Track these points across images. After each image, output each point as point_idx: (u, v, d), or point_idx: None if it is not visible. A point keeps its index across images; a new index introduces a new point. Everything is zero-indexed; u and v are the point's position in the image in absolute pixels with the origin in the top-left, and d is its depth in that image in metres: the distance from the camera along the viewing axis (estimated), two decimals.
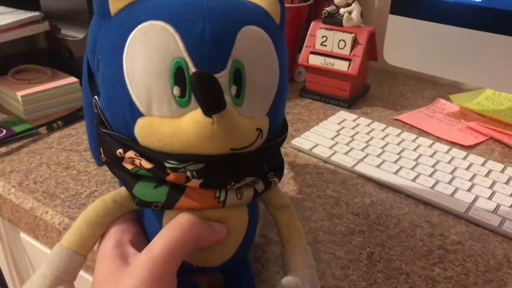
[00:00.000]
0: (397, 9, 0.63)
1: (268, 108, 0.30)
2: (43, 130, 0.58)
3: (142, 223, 0.32)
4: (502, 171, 0.52)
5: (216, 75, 0.26)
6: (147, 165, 0.28)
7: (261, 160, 0.31)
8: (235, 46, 0.27)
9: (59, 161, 0.52)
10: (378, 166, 0.53)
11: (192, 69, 0.26)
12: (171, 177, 0.28)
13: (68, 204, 0.45)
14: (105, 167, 0.49)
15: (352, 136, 0.59)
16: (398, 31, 0.64)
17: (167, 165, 0.27)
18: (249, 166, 0.30)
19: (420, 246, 0.42)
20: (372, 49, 0.70)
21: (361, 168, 0.52)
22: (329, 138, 0.58)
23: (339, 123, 0.63)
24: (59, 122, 0.59)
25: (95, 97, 0.31)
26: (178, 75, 0.26)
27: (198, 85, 0.25)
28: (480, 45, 0.58)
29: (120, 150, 0.29)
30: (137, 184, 0.29)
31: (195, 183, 0.28)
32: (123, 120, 0.29)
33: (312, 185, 0.50)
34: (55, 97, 0.62)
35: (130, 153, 0.28)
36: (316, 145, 0.57)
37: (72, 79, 0.64)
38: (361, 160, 0.54)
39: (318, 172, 0.52)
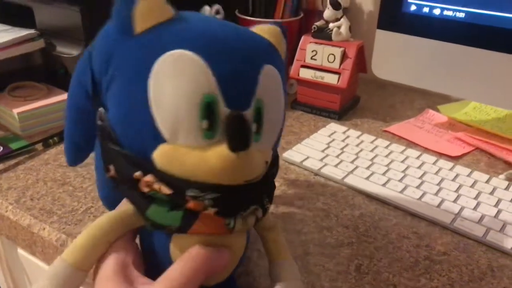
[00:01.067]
0: (384, 24, 0.65)
1: (274, 142, 0.33)
2: (39, 146, 0.59)
3: (143, 244, 0.33)
4: (487, 181, 0.54)
5: (243, 113, 0.28)
6: (167, 191, 0.29)
7: (263, 189, 0.33)
8: (258, 86, 0.29)
9: (55, 178, 0.53)
10: (367, 178, 0.54)
11: (222, 105, 0.28)
12: (191, 204, 0.29)
13: (65, 220, 0.46)
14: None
15: (342, 148, 0.61)
16: (385, 46, 0.66)
17: (189, 193, 0.28)
18: (256, 196, 0.32)
19: (407, 257, 0.43)
20: (361, 62, 0.71)
21: (351, 181, 0.53)
22: (319, 150, 0.60)
23: (329, 135, 0.64)
24: (55, 138, 0.60)
25: (100, 110, 0.31)
26: (208, 110, 0.28)
27: (233, 125, 0.28)
28: (464, 59, 0.60)
29: (138, 173, 0.29)
30: (151, 207, 0.30)
31: (211, 211, 0.29)
32: (140, 142, 0.29)
33: (303, 198, 0.51)
34: (51, 113, 0.63)
35: (149, 177, 0.29)
36: (307, 157, 0.58)
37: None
38: (351, 172, 0.55)
39: (309, 185, 0.54)
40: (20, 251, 0.55)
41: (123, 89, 0.29)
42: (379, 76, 0.68)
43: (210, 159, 0.28)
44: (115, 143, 0.30)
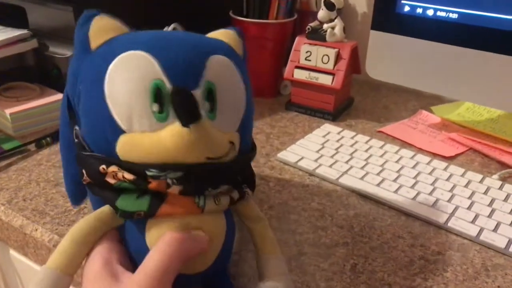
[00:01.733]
0: (378, 24, 0.65)
1: (238, 125, 0.34)
2: (32, 147, 0.59)
3: (124, 241, 0.33)
4: (481, 181, 0.54)
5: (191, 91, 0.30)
6: (129, 176, 0.30)
7: (235, 171, 0.34)
8: (206, 70, 0.31)
9: (48, 178, 0.53)
10: (362, 178, 0.54)
11: (169, 88, 0.30)
12: (153, 184, 0.30)
13: (58, 221, 0.46)
14: None
15: (336, 149, 0.61)
16: (379, 46, 0.66)
17: (149, 173, 0.30)
18: (224, 175, 0.33)
19: (402, 257, 0.43)
20: (355, 63, 0.71)
21: (345, 181, 0.53)
22: (314, 151, 0.60)
23: (323, 136, 0.64)
24: (47, 138, 0.60)
25: (76, 127, 0.34)
26: (157, 93, 0.30)
27: (177, 98, 0.30)
28: (457, 60, 0.60)
29: (103, 166, 0.31)
30: (120, 198, 0.31)
31: (175, 189, 0.31)
32: (104, 141, 0.31)
33: (298, 198, 0.51)
34: (43, 114, 0.63)
35: (113, 168, 0.31)
36: (302, 158, 0.58)
37: (61, 96, 0.65)
38: (345, 172, 0.55)
39: (303, 185, 0.54)
40: (13, 252, 0.55)
41: (86, 97, 0.32)
42: (373, 76, 0.69)
43: (164, 138, 0.29)
44: (86, 150, 0.33)
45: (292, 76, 0.71)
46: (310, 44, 0.69)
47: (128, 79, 0.30)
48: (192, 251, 0.31)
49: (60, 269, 0.31)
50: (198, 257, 0.32)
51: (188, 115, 0.29)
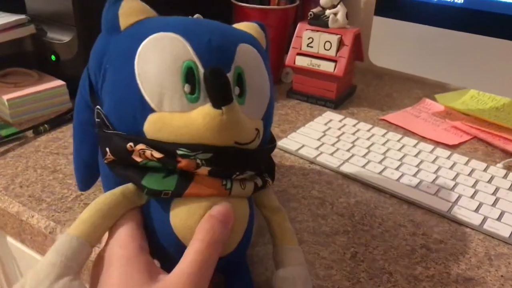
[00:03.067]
0: (381, 10, 0.64)
1: (263, 113, 0.34)
2: (29, 133, 0.58)
3: (146, 220, 0.32)
4: (485, 170, 0.53)
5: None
6: (158, 155, 0.30)
7: (259, 158, 0.34)
8: (236, 55, 0.32)
9: (45, 165, 0.52)
10: (363, 166, 0.53)
11: (201, 70, 0.30)
12: (182, 163, 0.30)
13: (54, 208, 0.45)
14: None
15: (338, 137, 0.60)
16: (383, 33, 0.65)
17: (179, 152, 0.29)
18: (251, 161, 0.33)
19: (403, 245, 0.42)
20: (358, 50, 0.70)
21: (347, 169, 0.53)
22: (315, 139, 0.59)
23: (325, 124, 0.63)
24: (45, 125, 0.59)
25: (97, 107, 0.33)
26: (189, 74, 0.30)
27: (212, 78, 0.29)
28: (462, 46, 0.59)
29: (131, 143, 0.30)
30: (146, 176, 0.31)
31: (204, 170, 0.30)
32: (131, 119, 0.31)
33: (298, 186, 0.50)
34: (41, 100, 0.62)
35: (141, 146, 0.30)
36: (303, 146, 0.57)
37: (59, 82, 0.64)
38: (347, 160, 0.54)
39: (304, 173, 0.53)
40: (9, 239, 0.54)
41: (114, 77, 0.32)
42: (376, 63, 0.67)
43: (196, 119, 0.29)
44: (109, 129, 0.32)
45: (294, 63, 0.70)
46: (312, 30, 0.68)
47: (161, 59, 0.30)
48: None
49: (83, 237, 0.29)
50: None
51: (222, 96, 0.29)
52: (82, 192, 0.47)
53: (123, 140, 0.31)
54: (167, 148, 0.30)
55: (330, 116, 0.66)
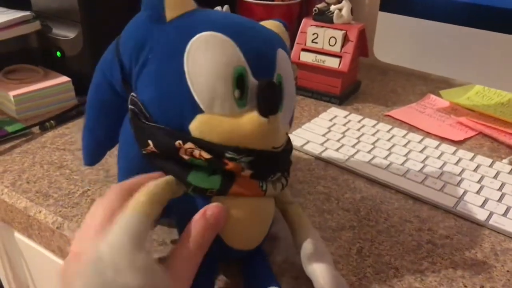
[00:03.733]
0: (386, 6, 0.64)
1: (290, 117, 0.37)
2: (35, 129, 0.58)
3: (182, 213, 0.33)
4: (491, 165, 0.53)
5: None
6: (206, 155, 0.31)
7: (286, 160, 0.36)
8: (277, 63, 0.34)
9: (52, 161, 0.52)
10: (369, 162, 0.53)
11: (251, 77, 0.32)
12: (230, 166, 0.31)
13: (61, 203, 0.45)
14: (98, 166, 0.50)
15: (343, 133, 0.60)
16: (388, 28, 0.65)
17: (227, 155, 0.31)
18: (280, 164, 0.35)
19: (409, 241, 0.42)
20: (363, 46, 0.70)
21: (352, 164, 0.53)
22: (320, 134, 0.59)
23: (330, 120, 0.63)
24: (51, 121, 0.59)
25: (133, 94, 0.34)
26: (239, 80, 0.31)
27: (266, 91, 0.31)
28: (468, 41, 0.59)
29: (180, 141, 0.31)
30: (191, 173, 0.32)
31: (247, 173, 0.32)
32: (178, 116, 0.31)
33: (303, 182, 0.50)
34: (47, 96, 0.62)
35: (189, 144, 0.31)
36: (308, 141, 0.57)
37: (64, 79, 0.64)
38: (352, 156, 0.54)
39: (309, 169, 0.53)
40: (17, 234, 0.55)
41: (159, 69, 0.32)
42: (381, 59, 0.67)
43: (245, 125, 0.31)
44: (150, 121, 0.32)
45: (299, 59, 0.70)
46: (316, 26, 0.68)
47: (213, 61, 0.31)
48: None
49: (146, 214, 0.28)
50: (256, 234, 0.34)
51: (271, 107, 0.31)
52: (89, 188, 0.47)
53: (170, 137, 0.31)
54: (216, 150, 0.31)
55: (335, 112, 0.66)
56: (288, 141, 0.37)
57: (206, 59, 0.31)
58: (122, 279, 0.25)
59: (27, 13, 0.66)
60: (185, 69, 0.31)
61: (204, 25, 0.32)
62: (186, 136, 0.31)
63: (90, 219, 0.30)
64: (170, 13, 0.33)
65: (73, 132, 0.58)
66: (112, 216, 0.29)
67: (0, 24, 0.63)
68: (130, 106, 0.34)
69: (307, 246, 0.34)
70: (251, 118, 0.31)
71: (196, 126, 0.31)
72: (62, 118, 0.61)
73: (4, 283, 0.53)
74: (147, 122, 0.32)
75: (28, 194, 0.46)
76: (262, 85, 0.31)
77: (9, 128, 0.57)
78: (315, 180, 0.51)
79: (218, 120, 0.31)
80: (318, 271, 0.33)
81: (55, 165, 0.51)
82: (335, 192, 0.49)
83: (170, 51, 0.32)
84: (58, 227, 0.43)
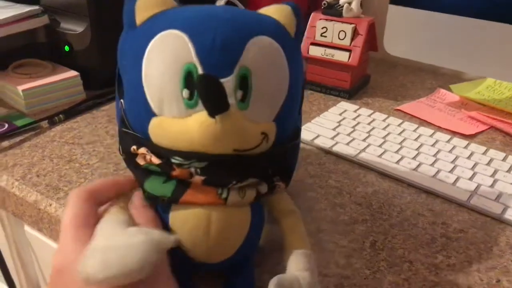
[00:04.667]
0: None
1: (275, 115, 0.31)
2: (44, 124, 0.58)
3: None
4: (504, 159, 0.53)
5: (221, 80, 0.28)
6: (156, 160, 0.30)
7: (265, 163, 0.32)
8: (244, 54, 0.29)
9: (61, 155, 0.52)
10: (380, 156, 0.53)
11: (200, 73, 0.28)
12: (176, 172, 0.30)
13: None
14: (107, 160, 0.50)
15: (353, 127, 0.59)
16: (398, 21, 0.64)
17: (173, 161, 0.29)
18: (252, 168, 0.31)
19: (422, 234, 0.42)
20: (372, 40, 0.69)
21: (363, 158, 0.52)
22: (330, 128, 0.58)
23: (340, 114, 0.63)
24: (60, 115, 0.59)
25: (121, 100, 0.33)
26: (188, 78, 0.28)
27: (203, 86, 0.28)
28: (480, 33, 0.58)
29: (134, 147, 0.31)
30: (148, 179, 0.31)
31: (198, 179, 0.30)
32: (139, 120, 0.31)
33: (314, 176, 0.50)
34: (55, 91, 0.62)
35: (142, 150, 0.31)
36: (318, 136, 0.57)
37: (73, 73, 0.64)
38: (363, 150, 0.54)
39: (320, 163, 0.52)
40: (27, 228, 0.54)
41: (128, 75, 0.32)
42: (391, 53, 0.67)
43: (191, 126, 0.28)
44: (126, 127, 0.32)
45: (308, 53, 0.69)
46: (326, 20, 0.67)
47: (162, 60, 0.29)
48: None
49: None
50: (217, 247, 0.32)
51: (215, 105, 0.28)
52: None
53: (130, 141, 0.32)
54: (164, 155, 0.30)
55: (345, 106, 0.65)
56: (293, 137, 0.34)
57: (157, 59, 0.29)
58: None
59: (35, 7, 0.66)
60: (142, 72, 0.30)
61: (165, 24, 0.30)
62: (142, 141, 0.31)
63: (64, 232, 0.30)
64: (140, 17, 0.31)
65: (81, 126, 0.58)
66: (83, 221, 0.30)
67: (8, 19, 0.63)
68: (122, 113, 0.34)
69: (273, 282, 0.29)
70: (197, 119, 0.28)
71: (151, 131, 0.30)
72: (71, 112, 0.60)
73: (14, 276, 0.53)
74: (123, 129, 0.33)
75: (38, 188, 0.46)
76: (199, 81, 0.28)
77: (18, 122, 0.57)
78: (326, 174, 0.50)
79: (167, 123, 0.29)
80: None
81: (65, 159, 0.51)
82: (346, 186, 0.48)
83: (134, 56, 0.31)
84: None
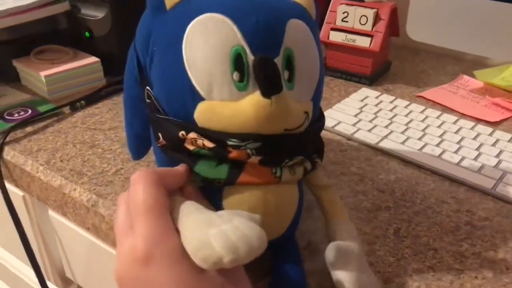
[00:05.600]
0: None
1: (312, 93, 0.33)
2: (66, 109, 0.59)
3: None
4: None
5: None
6: (209, 144, 0.30)
7: (308, 141, 0.33)
8: (285, 35, 0.30)
9: (84, 140, 0.52)
10: (403, 142, 0.52)
11: (250, 56, 0.29)
12: (233, 154, 0.30)
13: (95, 181, 0.45)
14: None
15: (375, 113, 0.58)
16: (421, 5, 0.63)
17: (229, 143, 0.29)
18: (299, 146, 0.32)
19: (447, 222, 0.41)
20: (394, 25, 0.68)
21: (386, 145, 0.52)
22: (352, 115, 0.58)
23: (361, 100, 0.62)
24: (82, 101, 0.59)
25: (147, 88, 0.33)
26: (237, 61, 0.29)
27: (261, 68, 0.28)
28: (505, 18, 0.56)
29: (183, 132, 0.31)
30: (198, 164, 0.31)
31: (254, 159, 0.30)
32: (182, 106, 0.31)
33: (336, 163, 0.50)
34: (77, 76, 0.63)
35: (192, 134, 0.30)
36: (339, 122, 0.56)
37: (94, 59, 0.64)
38: (385, 137, 0.53)
39: (341, 150, 0.52)
40: (51, 212, 0.55)
41: (161, 60, 0.31)
42: (414, 38, 0.66)
43: (245, 108, 0.29)
44: (161, 113, 0.32)
45: (328, 38, 0.68)
46: (347, 4, 0.66)
47: (208, 44, 0.29)
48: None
49: None
50: (273, 224, 0.32)
51: (271, 86, 0.28)
52: (122, 167, 0.48)
53: (175, 127, 0.31)
54: (218, 138, 0.30)
55: (366, 92, 0.64)
56: (319, 117, 0.35)
57: (202, 44, 0.29)
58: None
59: None
60: (184, 57, 0.30)
61: (202, 7, 0.30)
62: (190, 126, 0.30)
63: (143, 217, 0.27)
64: (169, 2, 0.31)
65: (103, 112, 0.59)
66: (163, 207, 0.28)
67: (29, 5, 0.63)
68: (147, 100, 0.34)
69: (329, 254, 0.31)
70: (252, 100, 0.29)
71: (198, 115, 0.30)
72: (92, 98, 0.61)
73: (39, 261, 0.54)
74: (158, 115, 0.32)
75: (63, 172, 0.47)
76: (257, 63, 0.28)
77: (41, 108, 0.58)
78: (348, 161, 0.50)
79: (218, 106, 0.29)
80: (342, 281, 0.30)
81: (87, 144, 0.52)
82: (369, 173, 0.48)
83: (169, 41, 0.30)
84: (93, 205, 0.43)
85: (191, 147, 0.31)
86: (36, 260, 0.53)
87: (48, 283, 0.56)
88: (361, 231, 0.40)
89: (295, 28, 0.31)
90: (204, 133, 0.30)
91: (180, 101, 0.30)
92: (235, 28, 0.29)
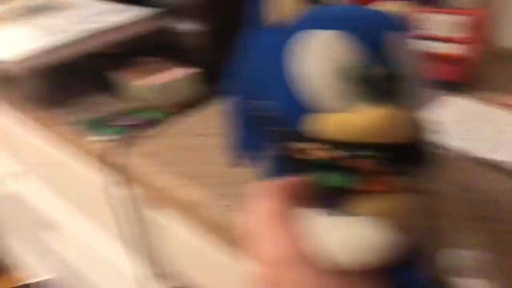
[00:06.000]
0: None
1: (414, 103, 0.34)
2: (170, 117, 0.64)
3: None
4: None
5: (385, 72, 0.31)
6: (332, 154, 0.31)
7: (421, 150, 0.34)
8: (389, 49, 0.32)
9: (190, 146, 0.57)
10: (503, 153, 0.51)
11: (361, 68, 0.31)
12: (352, 163, 0.31)
13: (210, 186, 0.49)
14: None
15: (469, 122, 0.58)
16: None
17: (348, 152, 0.31)
18: (413, 155, 0.33)
19: None
20: (484, 31, 0.67)
21: (484, 155, 0.51)
22: (444, 124, 0.58)
23: (451, 109, 0.62)
24: (186, 108, 0.65)
25: (262, 101, 0.35)
26: (352, 74, 0.31)
27: (377, 81, 0.30)
28: None
29: (296, 143, 0.32)
30: (321, 173, 0.32)
31: (377, 168, 0.31)
32: (295, 117, 0.32)
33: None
34: (178, 87, 0.67)
35: (312, 145, 0.32)
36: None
37: (192, 70, 0.69)
38: (482, 145, 0.53)
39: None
40: (157, 211, 0.60)
41: (273, 74, 0.33)
42: (504, 45, 0.64)
43: (363, 120, 0.31)
44: (275, 124, 0.34)
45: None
46: (433, 12, 0.66)
47: (319, 58, 0.31)
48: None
49: None
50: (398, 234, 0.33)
51: (384, 98, 0.31)
52: (234, 172, 0.50)
53: (287, 139, 0.33)
54: (337, 148, 0.31)
55: (456, 101, 0.64)
56: (421, 129, 0.35)
57: (313, 58, 0.31)
58: None
59: (151, 9, 0.71)
60: (291, 71, 0.32)
61: (310, 23, 0.32)
62: (310, 137, 0.32)
63: (271, 224, 0.30)
64: (276, 16, 0.33)
65: (209, 120, 0.63)
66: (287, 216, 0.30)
67: (128, 21, 0.69)
68: (257, 114, 0.36)
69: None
70: (369, 112, 0.30)
71: (314, 126, 0.31)
72: (195, 106, 0.66)
73: (142, 258, 0.58)
74: (273, 128, 0.34)
75: (172, 175, 0.51)
76: (376, 77, 0.31)
77: (150, 116, 0.63)
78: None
79: (335, 117, 0.31)
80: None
81: (195, 150, 0.56)
82: (470, 183, 0.48)
83: (279, 55, 0.33)
84: (206, 207, 0.47)
85: (308, 157, 0.32)
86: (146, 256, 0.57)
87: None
88: None
89: (394, 40, 0.33)
90: (325, 144, 0.31)
91: (294, 113, 0.32)
92: (344, 41, 0.31)
